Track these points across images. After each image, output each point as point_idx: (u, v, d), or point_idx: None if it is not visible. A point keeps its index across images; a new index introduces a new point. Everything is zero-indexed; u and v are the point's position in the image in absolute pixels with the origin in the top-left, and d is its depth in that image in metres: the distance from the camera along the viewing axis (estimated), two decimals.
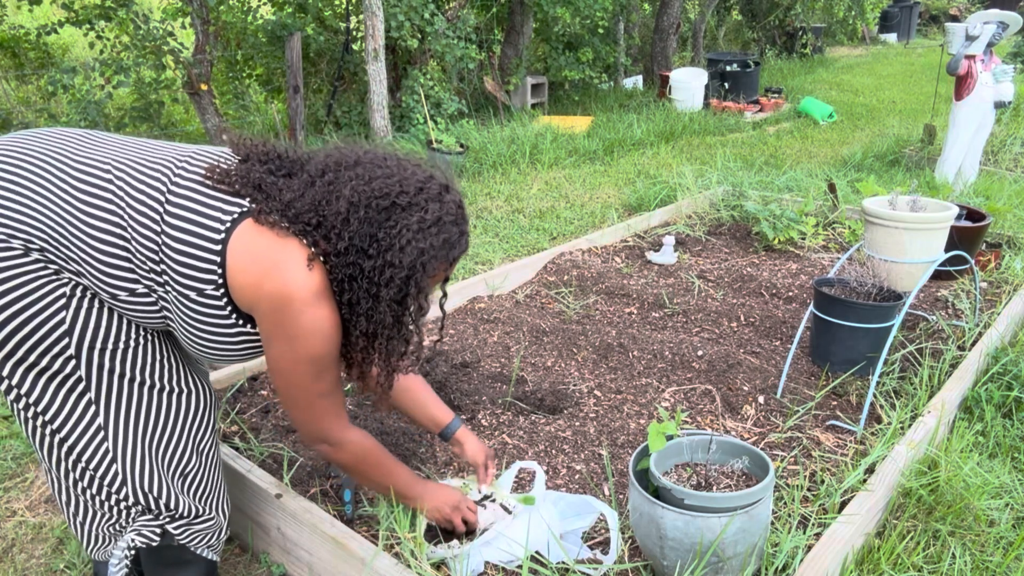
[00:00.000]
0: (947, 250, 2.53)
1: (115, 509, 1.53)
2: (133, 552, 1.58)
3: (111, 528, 1.58)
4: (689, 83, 8.64)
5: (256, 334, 1.42)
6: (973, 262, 2.84)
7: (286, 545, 1.89)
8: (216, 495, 1.66)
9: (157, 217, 1.32)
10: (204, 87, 6.06)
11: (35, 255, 1.29)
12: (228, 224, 1.33)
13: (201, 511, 1.61)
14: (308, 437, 1.53)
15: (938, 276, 3.22)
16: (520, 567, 1.65)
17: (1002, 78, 5.06)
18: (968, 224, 3.18)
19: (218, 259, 1.32)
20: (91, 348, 1.37)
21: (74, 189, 1.31)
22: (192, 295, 1.34)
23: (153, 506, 1.52)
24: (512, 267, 3.58)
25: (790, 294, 3.31)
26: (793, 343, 2.52)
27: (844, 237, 4.05)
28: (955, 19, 14.20)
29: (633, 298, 3.33)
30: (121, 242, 1.31)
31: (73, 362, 1.37)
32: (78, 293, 1.34)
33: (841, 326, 2.45)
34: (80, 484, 1.49)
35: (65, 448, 1.43)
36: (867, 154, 6.29)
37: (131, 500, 1.50)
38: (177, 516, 1.57)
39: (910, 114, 8.66)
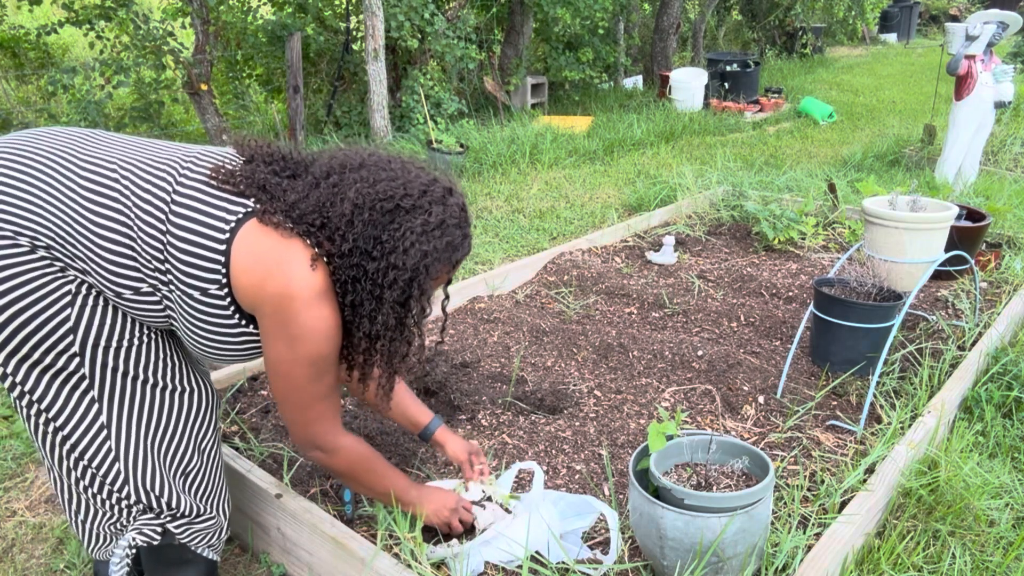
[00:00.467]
0: (947, 250, 2.53)
1: (116, 508, 1.53)
2: (134, 551, 1.59)
3: (112, 527, 1.58)
4: (689, 83, 8.64)
5: (259, 334, 1.42)
6: (973, 262, 2.84)
7: (286, 545, 1.89)
8: (217, 494, 1.66)
9: (162, 216, 1.32)
10: (204, 87, 6.07)
11: (41, 252, 1.30)
12: (232, 224, 1.33)
13: (202, 510, 1.61)
14: (301, 442, 1.52)
15: (938, 276, 3.22)
16: (520, 567, 1.65)
17: (1002, 78, 5.06)
18: (968, 224, 3.18)
19: (222, 259, 1.33)
20: (95, 346, 1.37)
21: (81, 188, 1.32)
22: (196, 294, 1.35)
23: (154, 505, 1.52)
24: (512, 267, 3.58)
25: (790, 294, 3.31)
26: (793, 343, 2.52)
27: (844, 237, 4.05)
28: (955, 19, 14.20)
29: (633, 298, 3.33)
30: (127, 241, 1.32)
31: (77, 359, 1.37)
32: (83, 291, 1.35)
33: (841, 326, 2.45)
34: (82, 482, 1.49)
35: (68, 446, 1.43)
36: (867, 154, 6.29)
37: (133, 499, 1.50)
38: (178, 515, 1.57)
39: (910, 114, 8.66)
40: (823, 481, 1.99)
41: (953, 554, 1.84)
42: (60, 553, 2.05)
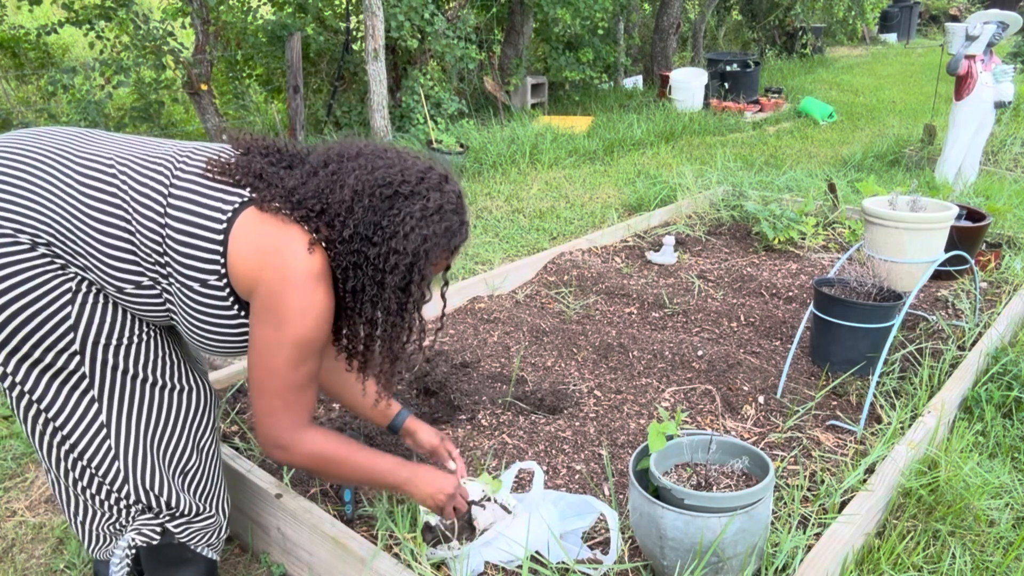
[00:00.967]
0: (947, 250, 2.53)
1: (115, 508, 1.53)
2: (134, 551, 1.59)
3: (111, 527, 1.58)
4: (689, 83, 8.64)
5: None
6: (973, 262, 2.84)
7: (286, 545, 1.89)
8: (216, 493, 1.66)
9: (160, 210, 1.33)
10: (204, 87, 6.07)
11: (42, 250, 1.30)
12: (230, 214, 1.34)
13: (201, 509, 1.61)
14: (264, 437, 1.44)
15: (938, 276, 3.22)
16: (520, 567, 1.65)
17: (1002, 78, 5.06)
18: (968, 224, 3.18)
19: (220, 248, 1.34)
20: (95, 344, 1.38)
21: (79, 184, 1.32)
22: (195, 286, 1.35)
23: (154, 504, 1.52)
24: (512, 267, 3.58)
25: (790, 294, 3.31)
26: (793, 343, 2.52)
27: (844, 237, 4.05)
28: (955, 19, 14.20)
29: (633, 298, 3.33)
30: (126, 235, 1.32)
31: (77, 358, 1.37)
32: (83, 288, 1.35)
33: (841, 326, 2.45)
34: (80, 483, 1.49)
35: (67, 446, 1.43)
36: (867, 154, 6.29)
37: (132, 498, 1.50)
38: (177, 514, 1.57)
39: (910, 114, 8.66)
40: (823, 481, 1.99)
41: (953, 554, 1.84)
42: (60, 553, 2.05)
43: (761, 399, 2.43)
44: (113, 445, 1.45)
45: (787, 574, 1.64)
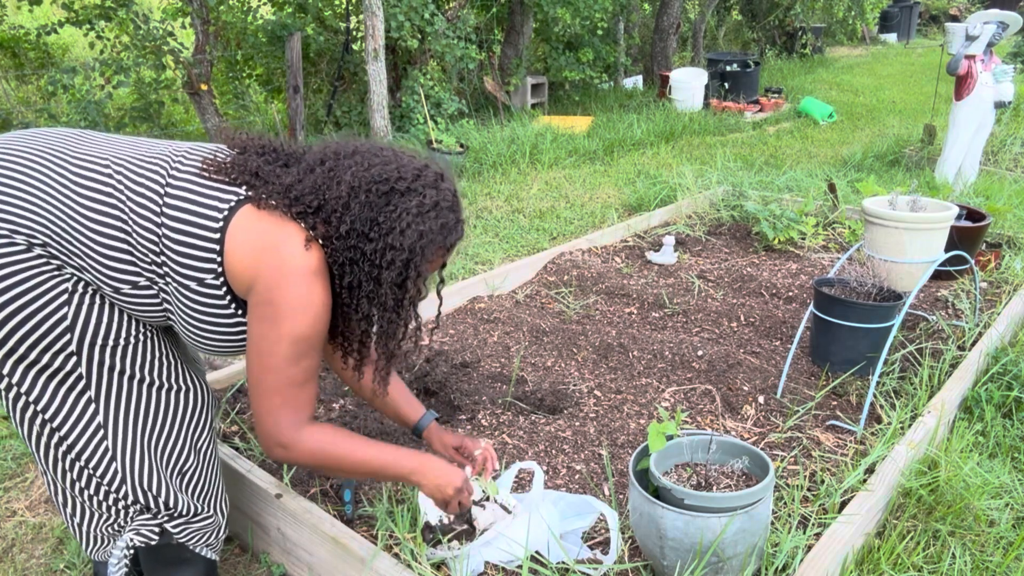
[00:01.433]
0: (947, 250, 2.53)
1: (113, 509, 1.53)
2: (132, 552, 1.58)
3: (109, 528, 1.58)
4: (689, 83, 8.64)
5: None
6: (973, 262, 2.84)
7: (286, 545, 1.89)
8: (214, 493, 1.66)
9: (157, 209, 1.33)
10: (204, 87, 6.07)
11: (38, 250, 1.30)
12: (226, 212, 1.34)
13: (199, 509, 1.61)
14: (265, 435, 1.42)
15: (938, 276, 3.22)
16: (520, 567, 1.65)
17: (1002, 78, 5.06)
18: (968, 224, 3.17)
19: (217, 247, 1.34)
20: (92, 345, 1.37)
21: (75, 184, 1.32)
22: (192, 285, 1.35)
23: (152, 504, 1.52)
24: (512, 267, 3.58)
25: (790, 294, 3.31)
26: (793, 343, 2.52)
27: (844, 237, 4.05)
28: (955, 19, 14.20)
29: (633, 298, 3.33)
30: (122, 235, 1.32)
31: (74, 359, 1.37)
32: (80, 289, 1.35)
33: (841, 326, 2.45)
34: (78, 485, 1.49)
35: (64, 447, 1.43)
36: (867, 154, 6.29)
37: (130, 499, 1.50)
38: (176, 514, 1.57)
39: (910, 114, 8.66)
40: (823, 481, 1.99)
41: (953, 554, 1.83)
42: (60, 553, 2.05)
43: (761, 399, 2.43)
44: (110, 446, 1.45)
45: (787, 574, 1.64)
